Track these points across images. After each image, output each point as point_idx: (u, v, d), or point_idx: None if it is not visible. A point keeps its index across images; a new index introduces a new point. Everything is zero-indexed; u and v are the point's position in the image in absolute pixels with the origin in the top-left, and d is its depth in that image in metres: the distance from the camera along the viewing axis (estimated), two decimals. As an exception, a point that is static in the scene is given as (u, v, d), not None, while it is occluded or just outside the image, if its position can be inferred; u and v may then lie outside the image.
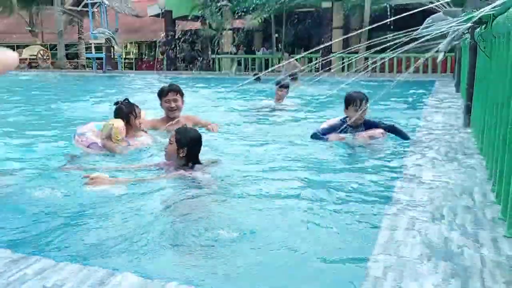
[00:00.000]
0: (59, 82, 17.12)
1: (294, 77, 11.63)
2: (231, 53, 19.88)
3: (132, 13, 22.96)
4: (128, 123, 4.15)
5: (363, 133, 4.41)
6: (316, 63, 16.41)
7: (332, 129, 4.48)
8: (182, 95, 4.88)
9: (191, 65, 22.02)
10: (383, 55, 13.45)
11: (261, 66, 18.97)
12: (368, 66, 15.16)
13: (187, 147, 3.23)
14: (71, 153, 4.09)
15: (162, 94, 4.84)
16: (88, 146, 4.08)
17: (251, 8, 18.49)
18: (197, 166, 3.32)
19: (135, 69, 23.19)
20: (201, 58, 21.64)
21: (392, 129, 4.53)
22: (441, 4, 6.67)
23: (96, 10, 21.80)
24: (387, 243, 2.07)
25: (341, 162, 3.91)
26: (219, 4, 18.99)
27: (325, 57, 15.89)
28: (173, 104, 4.78)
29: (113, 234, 2.41)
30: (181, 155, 3.24)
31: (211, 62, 20.48)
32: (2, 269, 1.83)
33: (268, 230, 2.42)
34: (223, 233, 2.36)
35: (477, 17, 3.01)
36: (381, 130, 4.45)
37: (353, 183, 3.21)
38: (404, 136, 4.46)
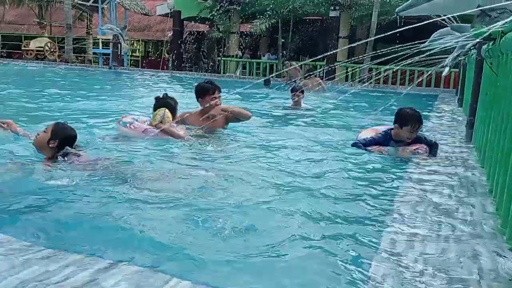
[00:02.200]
0: (65, 75, 17.15)
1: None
2: (236, 57, 19.95)
3: (141, 11, 23.07)
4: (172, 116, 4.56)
5: (407, 148, 4.28)
6: (320, 71, 16.53)
7: (375, 141, 4.40)
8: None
9: (196, 66, 22.13)
10: (387, 67, 13.55)
11: (265, 71, 19.03)
12: (371, 76, 15.26)
13: (59, 141, 3.41)
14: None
15: (208, 91, 4.83)
16: (143, 132, 4.42)
17: (259, 13, 18.58)
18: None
19: (141, 67, 23.20)
20: (207, 59, 21.76)
21: (431, 146, 4.38)
22: (448, 19, 6.75)
23: (106, 6, 21.96)
24: (387, 253, 2.09)
25: (346, 169, 3.91)
26: (227, 8, 19.07)
27: (330, 66, 16.01)
28: (218, 103, 4.86)
29: (115, 225, 2.44)
30: (50, 145, 3.41)
31: (216, 64, 20.55)
32: (6, 256, 1.86)
33: (269, 232, 2.44)
34: (226, 229, 2.39)
35: (487, 33, 3.06)
36: (424, 146, 4.31)
37: (355, 191, 3.23)
38: (434, 155, 4.36)
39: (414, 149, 4.26)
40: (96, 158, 3.67)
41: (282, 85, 12.44)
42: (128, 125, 4.57)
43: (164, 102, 4.63)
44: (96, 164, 3.49)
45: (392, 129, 4.41)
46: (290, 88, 8.14)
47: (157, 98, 4.72)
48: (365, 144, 4.40)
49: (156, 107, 4.60)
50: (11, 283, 1.66)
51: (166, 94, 4.82)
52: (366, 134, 4.65)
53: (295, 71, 14.47)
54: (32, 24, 27.37)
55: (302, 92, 7.85)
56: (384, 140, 4.37)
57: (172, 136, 4.39)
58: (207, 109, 4.80)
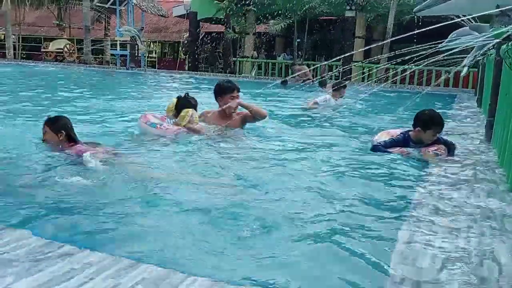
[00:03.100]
0: (84, 76, 17.41)
1: (323, 83, 11.76)
2: (252, 57, 20.00)
3: (158, 12, 23.27)
4: None
5: (429, 150, 4.21)
6: (336, 71, 16.48)
7: (395, 142, 4.34)
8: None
9: (212, 67, 22.26)
10: (404, 67, 13.46)
11: (281, 71, 19.04)
12: (388, 77, 15.16)
13: (64, 131, 3.71)
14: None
15: (227, 90, 4.89)
16: (175, 133, 4.58)
17: (275, 14, 18.60)
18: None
19: (158, 68, 23.42)
20: (223, 60, 21.86)
21: (449, 147, 4.31)
22: (467, 19, 6.70)
23: (123, 8, 22.20)
24: (405, 252, 2.10)
25: (364, 169, 3.90)
26: (243, 8, 19.12)
27: (346, 66, 15.96)
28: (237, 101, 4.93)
29: (138, 224, 2.49)
30: (61, 138, 3.70)
31: (232, 64, 20.63)
32: (31, 253, 1.89)
33: (285, 230, 2.46)
34: (243, 227, 2.44)
35: (506, 34, 3.05)
36: (443, 147, 4.25)
37: (373, 191, 3.22)
38: (452, 156, 4.29)
39: (435, 149, 4.21)
40: (109, 151, 3.78)
41: (298, 85, 12.51)
42: (158, 126, 4.65)
43: (186, 101, 4.76)
44: (109, 158, 3.60)
45: (409, 131, 4.39)
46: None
47: (179, 97, 4.83)
48: (386, 146, 4.34)
49: (178, 106, 4.72)
50: (33, 281, 1.68)
51: (188, 93, 4.92)
52: (381, 137, 4.61)
53: (304, 74, 14.51)
54: (52, 26, 27.80)
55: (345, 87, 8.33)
56: (403, 141, 4.32)
57: (197, 133, 4.55)
58: (225, 109, 4.86)
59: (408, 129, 4.43)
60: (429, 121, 4.22)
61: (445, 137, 4.59)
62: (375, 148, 4.39)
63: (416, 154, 4.21)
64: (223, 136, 4.71)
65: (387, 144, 4.36)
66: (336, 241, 2.33)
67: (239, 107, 4.97)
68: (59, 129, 3.71)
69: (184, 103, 4.73)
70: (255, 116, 5.00)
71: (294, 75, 15.01)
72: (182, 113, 4.61)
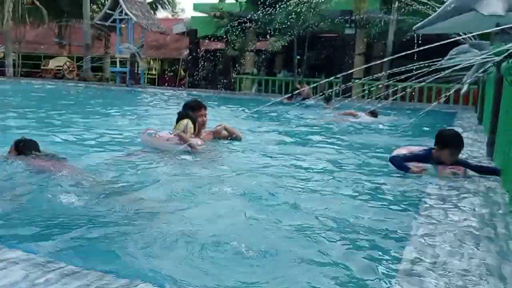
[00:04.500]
0: (83, 93, 17.43)
1: (328, 100, 11.87)
2: (252, 74, 20.05)
3: (158, 30, 23.37)
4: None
5: (447, 169, 4.15)
6: (337, 88, 16.49)
7: (415, 157, 4.26)
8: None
9: (212, 84, 22.25)
10: (404, 84, 13.49)
11: (281, 88, 19.08)
12: (388, 94, 15.18)
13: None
14: None
15: (196, 109, 5.24)
16: (167, 140, 4.87)
17: (274, 31, 18.66)
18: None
19: (157, 85, 23.45)
20: (223, 77, 21.85)
21: (475, 169, 4.26)
22: (467, 36, 6.72)
23: (124, 25, 22.36)
24: (408, 273, 2.06)
25: (368, 184, 3.90)
26: (243, 26, 19.19)
27: (346, 83, 16.00)
28: (205, 119, 5.28)
29: (135, 244, 2.46)
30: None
31: (232, 82, 20.66)
32: (28, 273, 1.87)
33: (287, 250, 2.43)
34: (242, 247, 2.40)
35: (508, 52, 3.04)
36: (463, 169, 4.19)
37: (376, 210, 3.22)
38: (491, 171, 4.23)
39: (454, 171, 4.13)
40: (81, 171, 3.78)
41: (298, 102, 12.59)
42: (153, 135, 5.05)
43: (185, 115, 5.05)
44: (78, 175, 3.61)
45: (432, 148, 4.31)
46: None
47: (179, 113, 5.13)
48: (405, 159, 4.26)
49: (178, 120, 5.01)
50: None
51: (187, 110, 5.20)
52: (399, 152, 4.53)
53: (305, 92, 14.55)
54: (52, 44, 27.81)
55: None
56: (425, 158, 4.24)
57: (188, 144, 4.74)
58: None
59: (432, 146, 4.36)
60: (446, 141, 4.17)
61: (473, 162, 4.50)
62: (393, 159, 4.33)
63: (431, 171, 4.13)
64: (207, 154, 4.83)
65: (407, 157, 4.28)
66: (340, 258, 2.33)
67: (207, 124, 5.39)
68: (19, 152, 3.88)
69: (181, 115, 5.06)
70: (231, 137, 5.41)
71: (297, 91, 15.04)
72: (179, 122, 4.98)
